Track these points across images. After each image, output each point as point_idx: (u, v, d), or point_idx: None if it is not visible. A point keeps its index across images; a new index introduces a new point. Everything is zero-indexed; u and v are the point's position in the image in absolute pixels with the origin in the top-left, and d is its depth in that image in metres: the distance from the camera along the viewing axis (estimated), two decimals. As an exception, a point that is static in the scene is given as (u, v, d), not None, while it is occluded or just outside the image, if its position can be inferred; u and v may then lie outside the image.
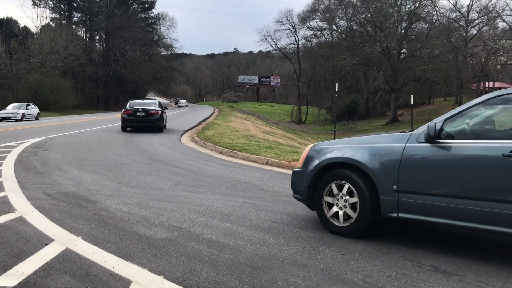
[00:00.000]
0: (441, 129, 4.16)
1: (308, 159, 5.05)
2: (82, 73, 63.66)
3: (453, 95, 53.45)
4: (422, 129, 4.28)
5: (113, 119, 32.94)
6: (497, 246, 4.40)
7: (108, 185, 7.11)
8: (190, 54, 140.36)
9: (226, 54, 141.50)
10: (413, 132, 4.38)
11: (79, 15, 73.83)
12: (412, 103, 16.09)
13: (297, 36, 62.87)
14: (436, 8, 46.27)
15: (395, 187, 4.28)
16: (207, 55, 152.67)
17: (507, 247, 4.38)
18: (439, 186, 4.08)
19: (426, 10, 46.21)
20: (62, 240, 4.19)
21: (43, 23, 62.93)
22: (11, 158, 9.95)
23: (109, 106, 69.51)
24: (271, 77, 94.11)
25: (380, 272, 3.57)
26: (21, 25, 58.38)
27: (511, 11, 43.34)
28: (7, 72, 47.39)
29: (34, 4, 65.24)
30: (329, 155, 4.81)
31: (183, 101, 79.26)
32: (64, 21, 69.20)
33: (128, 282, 3.26)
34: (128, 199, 6.10)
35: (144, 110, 19.58)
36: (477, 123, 4.20)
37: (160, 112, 20.00)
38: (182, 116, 39.09)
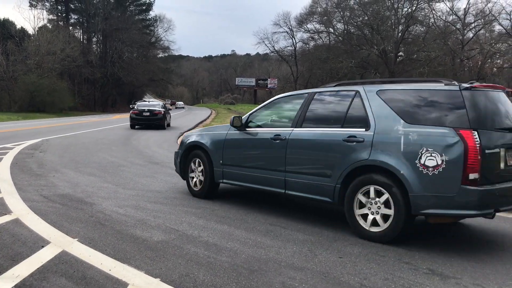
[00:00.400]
0: (247, 120, 6.02)
1: (181, 142, 7.03)
2: (79, 75, 63.39)
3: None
4: None
5: (110, 120, 32.88)
6: (494, 249, 4.42)
7: (105, 187, 7.10)
8: (188, 56, 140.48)
9: (223, 56, 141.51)
10: None
11: (76, 17, 73.63)
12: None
13: (294, 38, 63.16)
14: (433, 11, 46.43)
15: (221, 161, 6.14)
16: (205, 57, 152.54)
17: (504, 250, 4.39)
18: (243, 160, 5.92)
19: (423, 13, 46.42)
20: (58, 242, 4.18)
21: (40, 25, 62.44)
22: (7, 159, 9.91)
23: (106, 108, 69.31)
24: (269, 79, 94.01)
25: (377, 275, 3.57)
26: (18, 26, 58.14)
27: (507, 15, 43.39)
28: (3, 74, 47.20)
29: (31, 5, 65.06)
30: (190, 139, 6.76)
31: (180, 103, 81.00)
32: (61, 23, 69.01)
33: (125, 284, 3.25)
34: (124, 201, 6.09)
35: (149, 110, 22.64)
36: (264, 117, 6.05)
37: (163, 112, 22.85)
38: (180, 118, 39.06)
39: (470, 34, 47.45)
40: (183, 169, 6.81)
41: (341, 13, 52.30)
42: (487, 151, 4.07)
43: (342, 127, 4.88)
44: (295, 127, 5.35)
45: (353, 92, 5.00)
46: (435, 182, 4.11)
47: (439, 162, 4.09)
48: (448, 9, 47.73)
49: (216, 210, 5.72)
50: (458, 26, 47.14)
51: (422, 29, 46.87)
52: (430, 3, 44.97)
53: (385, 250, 4.23)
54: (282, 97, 6.01)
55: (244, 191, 6.94)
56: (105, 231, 4.59)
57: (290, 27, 62.54)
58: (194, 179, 6.59)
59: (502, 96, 4.64)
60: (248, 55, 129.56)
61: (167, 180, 7.94)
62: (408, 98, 4.58)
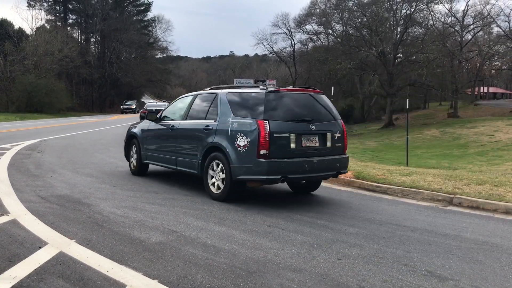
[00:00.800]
0: (161, 115, 7.93)
1: (126, 132, 8.95)
2: (77, 75, 63.15)
3: (448, 100, 53.65)
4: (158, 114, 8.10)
5: (108, 121, 32.84)
6: (492, 251, 4.41)
7: (103, 188, 7.08)
8: (186, 57, 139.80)
9: (222, 57, 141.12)
10: None
11: (74, 17, 73.32)
12: (407, 107, 16.06)
13: (293, 39, 62.90)
14: (432, 13, 46.42)
15: (145, 146, 8.14)
16: (203, 58, 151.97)
17: (502, 251, 4.39)
18: (155, 145, 7.90)
19: (421, 15, 46.35)
20: (55, 243, 4.16)
21: (38, 25, 62.21)
22: (5, 160, 9.88)
23: (104, 109, 69.13)
24: (267, 80, 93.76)
25: (375, 277, 3.56)
26: (16, 26, 57.74)
27: (506, 17, 43.50)
28: (1, 74, 46.95)
29: (29, 5, 64.84)
30: (130, 131, 8.75)
31: None
32: (59, 23, 68.81)
33: (123, 286, 3.24)
34: (122, 202, 6.08)
35: (156, 110, 25.90)
36: (171, 112, 7.87)
37: None
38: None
39: (469, 36, 47.49)
40: (127, 154, 8.85)
41: (340, 15, 52.19)
42: (275, 135, 5.73)
43: (205, 119, 6.71)
44: (182, 120, 7.32)
45: (215, 94, 6.82)
46: (243, 156, 5.83)
47: (246, 143, 5.82)
48: (446, 11, 47.80)
49: (214, 211, 5.71)
50: (457, 28, 47.17)
51: (420, 30, 46.80)
52: (429, 4, 44.98)
53: (384, 252, 4.23)
54: (183, 96, 8.01)
55: (244, 192, 6.92)
56: (103, 232, 4.57)
57: (289, 28, 62.28)
58: (132, 161, 8.64)
59: (304, 96, 6.36)
60: (246, 56, 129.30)
61: (165, 181, 7.92)
62: (239, 98, 6.39)
